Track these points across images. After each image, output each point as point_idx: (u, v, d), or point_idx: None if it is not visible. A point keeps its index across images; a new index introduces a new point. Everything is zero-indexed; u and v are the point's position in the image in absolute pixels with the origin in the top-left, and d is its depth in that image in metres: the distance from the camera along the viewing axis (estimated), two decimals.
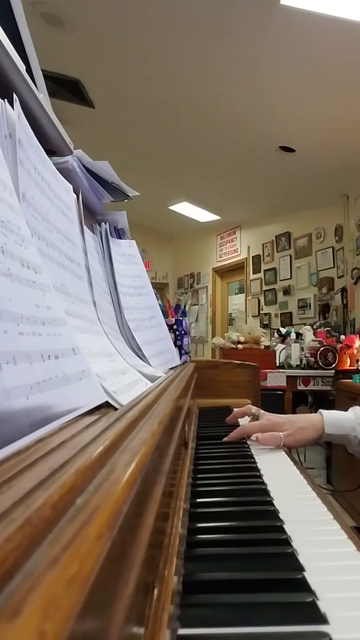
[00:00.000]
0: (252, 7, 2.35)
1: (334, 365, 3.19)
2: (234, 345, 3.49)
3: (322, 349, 3.23)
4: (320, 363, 3.20)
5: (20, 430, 0.24)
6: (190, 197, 5.29)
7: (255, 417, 0.99)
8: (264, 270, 5.65)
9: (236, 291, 6.39)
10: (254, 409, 1.00)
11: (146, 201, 4.95)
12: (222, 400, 1.48)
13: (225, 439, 0.92)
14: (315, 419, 0.88)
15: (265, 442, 0.86)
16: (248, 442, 0.94)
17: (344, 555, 0.45)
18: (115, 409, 0.39)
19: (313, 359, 3.23)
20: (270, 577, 0.39)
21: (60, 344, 0.34)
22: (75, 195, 0.63)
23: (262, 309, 5.66)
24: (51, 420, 0.27)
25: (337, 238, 4.65)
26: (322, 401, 3.37)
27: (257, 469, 0.73)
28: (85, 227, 0.69)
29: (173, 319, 1.45)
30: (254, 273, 5.84)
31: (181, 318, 1.48)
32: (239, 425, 0.95)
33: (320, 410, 0.90)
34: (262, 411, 0.99)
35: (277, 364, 3.38)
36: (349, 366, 3.19)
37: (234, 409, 1.06)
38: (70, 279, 0.49)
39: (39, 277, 0.34)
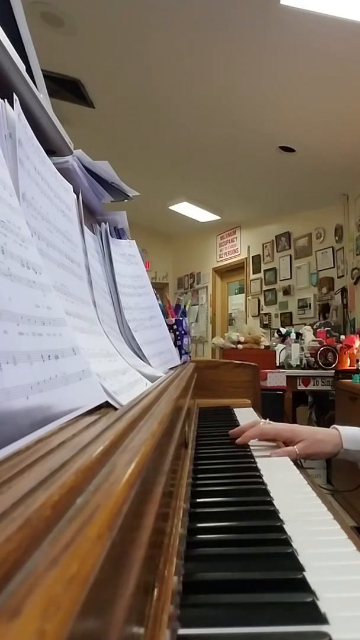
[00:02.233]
0: (252, 7, 2.35)
1: (334, 365, 3.20)
2: (234, 345, 3.49)
3: (322, 349, 3.23)
4: (320, 363, 3.20)
5: (20, 430, 0.24)
6: (190, 197, 5.28)
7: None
8: (264, 270, 5.65)
9: (236, 291, 6.39)
10: (261, 422, 0.97)
11: (146, 201, 4.95)
12: (222, 400, 1.48)
13: (238, 441, 0.90)
14: (333, 433, 0.87)
15: (279, 452, 0.84)
16: (249, 442, 0.94)
17: (344, 555, 0.45)
18: (115, 409, 0.39)
19: (313, 359, 3.23)
20: (270, 577, 0.39)
21: (60, 344, 0.34)
22: (75, 195, 0.63)
23: (262, 309, 5.66)
24: (51, 420, 0.27)
25: (337, 238, 4.65)
26: (322, 401, 3.38)
27: (257, 469, 0.73)
28: (85, 227, 0.69)
29: (173, 319, 1.45)
30: (254, 273, 5.84)
31: (181, 318, 1.48)
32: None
33: (334, 425, 0.89)
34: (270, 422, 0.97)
35: (277, 364, 3.38)
36: (349, 366, 3.20)
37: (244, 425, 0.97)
38: (70, 279, 0.49)
39: (39, 277, 0.34)
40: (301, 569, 0.41)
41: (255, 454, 0.83)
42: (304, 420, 3.21)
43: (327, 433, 0.87)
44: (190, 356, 1.56)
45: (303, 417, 3.36)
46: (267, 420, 0.97)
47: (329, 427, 0.90)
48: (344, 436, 0.86)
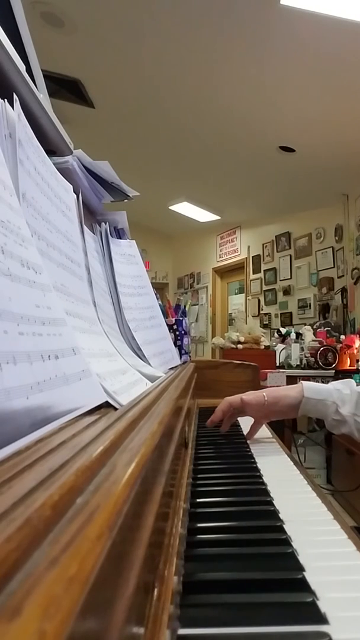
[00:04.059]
0: (252, 7, 2.35)
1: (334, 365, 3.19)
2: (234, 345, 3.49)
3: (322, 349, 3.23)
4: (320, 363, 3.20)
5: (20, 430, 0.24)
6: (190, 197, 5.29)
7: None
8: (264, 270, 5.65)
9: (236, 291, 6.39)
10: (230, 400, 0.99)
11: (146, 201, 4.95)
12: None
13: (212, 419, 0.95)
14: (295, 386, 0.93)
15: (250, 401, 0.89)
16: (248, 442, 0.94)
17: (344, 555, 0.45)
18: (115, 409, 0.39)
19: (313, 359, 3.23)
20: (270, 577, 0.39)
21: (60, 344, 0.34)
22: (75, 195, 0.63)
23: (262, 309, 5.66)
24: (51, 420, 0.27)
25: (337, 238, 4.65)
26: None
27: (257, 469, 0.73)
28: (85, 227, 0.69)
29: (173, 319, 1.45)
30: (254, 273, 5.84)
31: (181, 318, 1.48)
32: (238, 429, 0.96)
33: (302, 381, 0.95)
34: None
35: (277, 364, 3.38)
36: (349, 366, 3.19)
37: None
38: (70, 279, 0.49)
39: (39, 277, 0.34)
40: (301, 569, 0.41)
41: (255, 453, 0.83)
42: (304, 420, 3.21)
43: (288, 387, 0.94)
44: (190, 356, 1.56)
45: (303, 417, 3.36)
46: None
47: (328, 429, 0.93)
48: (305, 386, 0.92)
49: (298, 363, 3.30)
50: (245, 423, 0.99)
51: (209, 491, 0.62)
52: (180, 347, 1.43)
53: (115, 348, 0.60)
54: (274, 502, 0.58)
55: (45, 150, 0.51)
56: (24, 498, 0.16)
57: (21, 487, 0.17)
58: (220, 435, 0.97)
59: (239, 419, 1.20)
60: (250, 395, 0.91)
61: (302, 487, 0.66)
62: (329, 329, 3.77)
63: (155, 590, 0.31)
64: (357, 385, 0.90)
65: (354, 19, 2.33)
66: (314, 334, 3.53)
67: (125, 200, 0.96)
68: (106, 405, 0.38)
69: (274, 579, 0.39)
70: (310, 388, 0.91)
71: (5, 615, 0.10)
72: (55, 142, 0.61)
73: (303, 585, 0.38)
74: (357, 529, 0.62)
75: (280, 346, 3.47)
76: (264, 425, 1.03)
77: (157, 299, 1.14)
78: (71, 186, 0.61)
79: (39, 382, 0.28)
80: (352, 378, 2.76)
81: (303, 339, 3.44)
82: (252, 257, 5.88)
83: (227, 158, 4.21)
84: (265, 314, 5.57)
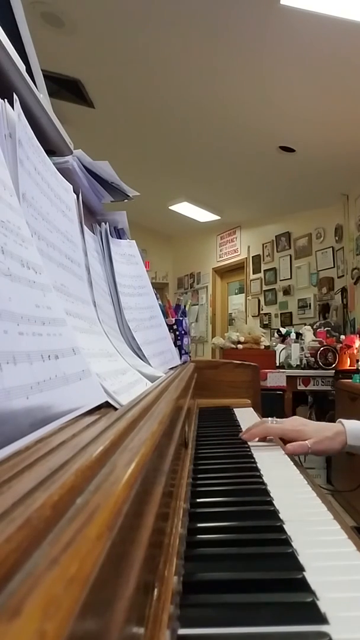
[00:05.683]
0: (252, 7, 2.35)
1: (334, 365, 3.19)
2: (234, 345, 3.49)
3: (322, 349, 3.23)
4: (320, 363, 3.20)
5: (20, 430, 0.24)
6: (190, 197, 5.28)
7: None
8: (264, 270, 5.65)
9: (236, 291, 6.39)
10: (269, 420, 0.96)
11: (146, 201, 4.95)
12: (222, 400, 1.48)
13: (245, 436, 0.91)
14: (339, 431, 0.88)
15: (294, 452, 0.85)
16: (249, 442, 0.94)
17: (344, 555, 0.45)
18: (115, 409, 0.39)
19: (313, 359, 3.23)
20: (270, 577, 0.39)
21: (60, 344, 0.34)
22: (75, 195, 0.63)
23: (262, 309, 5.65)
24: (51, 420, 0.27)
25: (337, 238, 4.65)
26: (322, 401, 3.38)
27: (257, 469, 0.73)
28: (85, 227, 0.69)
29: (173, 319, 1.45)
30: (254, 273, 5.83)
31: (181, 318, 1.48)
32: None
33: (340, 420, 0.90)
34: (277, 419, 0.96)
35: (277, 364, 3.38)
36: (349, 366, 3.19)
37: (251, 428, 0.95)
38: (70, 279, 0.49)
39: (39, 277, 0.34)
40: (301, 569, 0.41)
41: (255, 453, 0.83)
42: None
43: (333, 430, 0.88)
44: (190, 356, 1.56)
45: (303, 417, 3.36)
46: (274, 418, 0.97)
47: None
48: (348, 432, 0.87)
49: (298, 363, 3.30)
50: (246, 423, 0.99)
51: (209, 491, 0.62)
52: (180, 347, 1.43)
53: (115, 348, 0.60)
54: (274, 502, 0.58)
55: (45, 150, 0.51)
56: (24, 498, 0.16)
57: (21, 487, 0.17)
58: (220, 435, 0.97)
59: (239, 418, 1.21)
60: (294, 446, 0.85)
61: (302, 487, 0.66)
62: (329, 329, 3.77)
63: (155, 590, 0.31)
64: None
65: (354, 19, 2.33)
66: (314, 334, 3.54)
67: (125, 200, 0.96)
68: (106, 405, 0.38)
69: (274, 579, 0.39)
70: (353, 434, 0.87)
71: (5, 615, 0.10)
72: (55, 142, 0.61)
73: (303, 585, 0.38)
74: (357, 529, 0.62)
75: (280, 346, 3.47)
76: None
77: (157, 299, 1.14)
78: (71, 186, 0.61)
79: (39, 382, 0.28)
80: (352, 378, 2.75)
81: (303, 339, 3.44)
82: (252, 257, 5.88)
83: (227, 158, 4.21)
84: (265, 314, 5.57)
